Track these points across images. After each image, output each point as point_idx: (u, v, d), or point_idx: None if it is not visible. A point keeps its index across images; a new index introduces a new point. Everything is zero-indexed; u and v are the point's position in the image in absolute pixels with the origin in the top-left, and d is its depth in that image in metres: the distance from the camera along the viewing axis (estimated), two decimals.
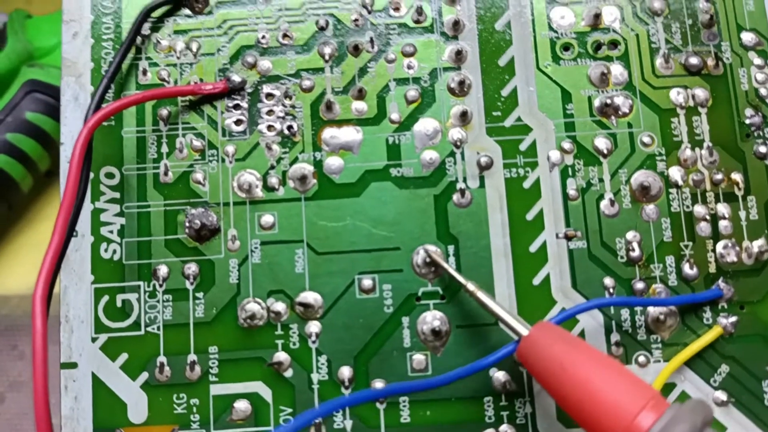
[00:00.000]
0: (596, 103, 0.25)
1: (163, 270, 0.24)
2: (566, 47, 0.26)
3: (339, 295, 0.24)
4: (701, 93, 0.25)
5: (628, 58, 0.26)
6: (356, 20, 0.26)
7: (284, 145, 0.25)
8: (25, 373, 0.34)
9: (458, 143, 0.25)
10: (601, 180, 0.25)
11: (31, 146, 0.35)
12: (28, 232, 0.37)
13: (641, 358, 0.24)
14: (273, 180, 0.25)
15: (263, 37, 0.26)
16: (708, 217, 0.24)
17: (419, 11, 0.26)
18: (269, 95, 0.25)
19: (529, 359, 0.21)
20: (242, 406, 0.23)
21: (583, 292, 0.24)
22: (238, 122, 0.25)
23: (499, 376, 0.23)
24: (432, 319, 0.24)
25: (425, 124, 0.25)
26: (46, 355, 0.20)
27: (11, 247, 0.36)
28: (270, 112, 0.25)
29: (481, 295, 0.22)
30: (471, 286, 0.22)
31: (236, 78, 0.25)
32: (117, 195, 0.24)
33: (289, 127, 0.25)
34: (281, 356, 0.23)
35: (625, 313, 0.24)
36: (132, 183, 0.24)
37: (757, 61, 0.26)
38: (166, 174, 0.25)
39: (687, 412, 0.18)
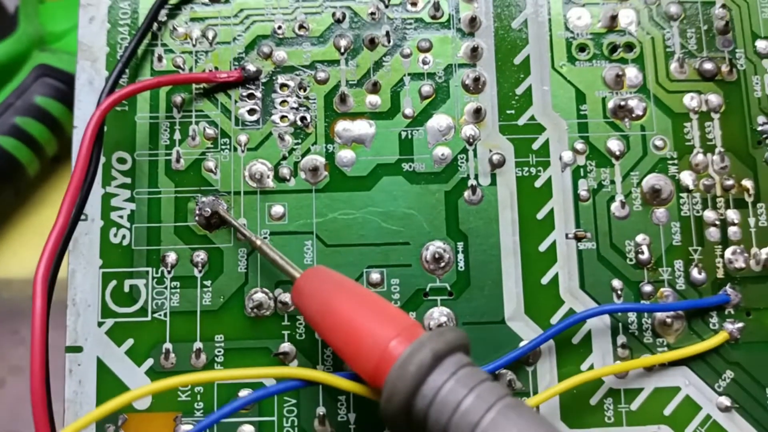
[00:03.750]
0: (610, 104, 0.25)
1: (171, 257, 0.24)
2: (582, 48, 0.26)
3: None
4: (714, 99, 0.25)
5: (643, 61, 0.26)
6: (373, 14, 0.26)
7: (297, 136, 0.25)
8: (26, 358, 0.34)
9: (471, 140, 0.25)
10: (612, 182, 0.25)
11: (40, 131, 0.35)
12: (33, 216, 0.37)
13: None
14: (284, 170, 0.25)
15: (279, 27, 0.26)
16: (717, 223, 0.25)
17: (436, 7, 0.26)
18: (283, 86, 0.25)
19: (300, 302, 0.21)
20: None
21: (591, 293, 0.24)
22: (251, 111, 0.25)
23: (504, 373, 0.23)
24: (439, 314, 0.24)
25: (438, 120, 0.25)
26: (45, 336, 0.20)
27: (15, 230, 0.36)
28: (284, 103, 0.25)
29: (264, 247, 0.23)
30: (258, 242, 0.23)
31: (251, 67, 0.25)
32: (128, 180, 0.24)
33: (302, 119, 0.25)
34: (287, 347, 0.23)
35: (632, 315, 0.24)
36: (143, 169, 0.24)
37: None
38: (178, 161, 0.25)
39: (434, 337, 0.18)
